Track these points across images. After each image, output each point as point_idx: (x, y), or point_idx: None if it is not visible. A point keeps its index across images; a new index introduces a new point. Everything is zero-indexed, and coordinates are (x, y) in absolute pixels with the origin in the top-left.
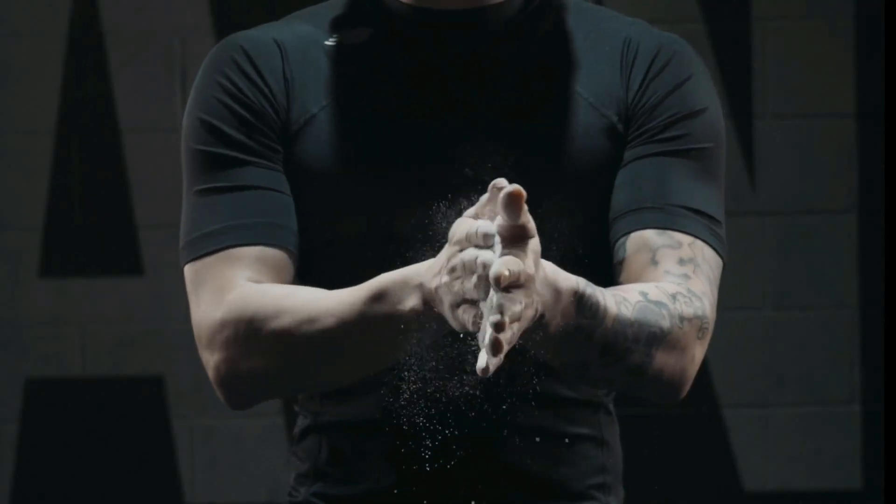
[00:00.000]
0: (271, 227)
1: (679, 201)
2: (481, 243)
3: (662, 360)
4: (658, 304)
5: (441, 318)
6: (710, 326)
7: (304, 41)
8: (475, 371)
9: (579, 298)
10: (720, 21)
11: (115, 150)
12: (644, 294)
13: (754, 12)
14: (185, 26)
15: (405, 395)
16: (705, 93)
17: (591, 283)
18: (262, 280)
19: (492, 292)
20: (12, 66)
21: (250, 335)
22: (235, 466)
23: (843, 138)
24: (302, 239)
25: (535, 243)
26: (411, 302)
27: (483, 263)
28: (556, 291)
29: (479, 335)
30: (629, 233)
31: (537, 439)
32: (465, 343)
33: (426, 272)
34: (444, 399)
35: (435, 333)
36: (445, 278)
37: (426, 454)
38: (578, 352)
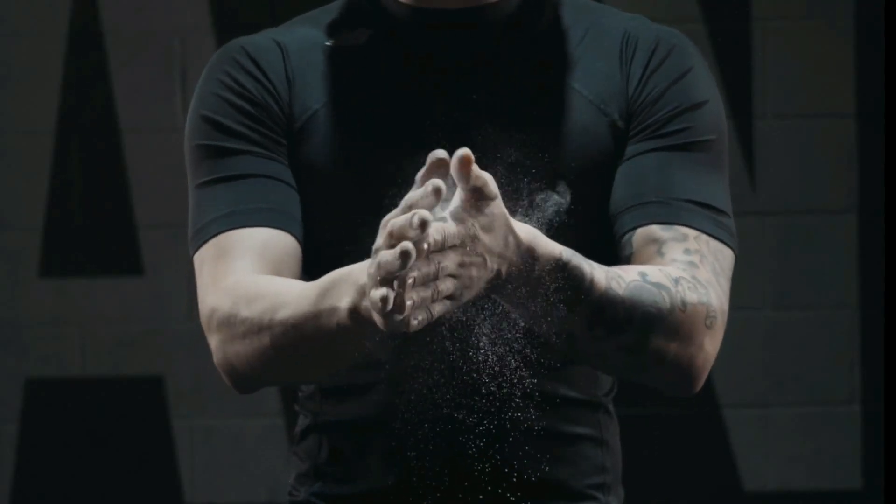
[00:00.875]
0: (274, 212)
1: (683, 195)
2: (416, 231)
3: (662, 343)
4: (657, 285)
5: (369, 318)
6: (719, 317)
7: (305, 43)
8: (475, 371)
9: (562, 266)
10: (720, 21)
11: (115, 150)
12: (643, 274)
13: (754, 12)
14: (185, 26)
15: (405, 396)
16: (706, 85)
17: (578, 255)
18: (264, 264)
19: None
20: (12, 66)
21: (230, 321)
22: (235, 466)
23: (843, 138)
24: (306, 234)
25: (493, 205)
26: (347, 299)
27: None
28: (531, 256)
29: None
30: (635, 228)
31: (537, 439)
32: (466, 343)
33: (362, 268)
34: (444, 399)
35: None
36: (371, 260)
37: (426, 454)
38: (564, 322)
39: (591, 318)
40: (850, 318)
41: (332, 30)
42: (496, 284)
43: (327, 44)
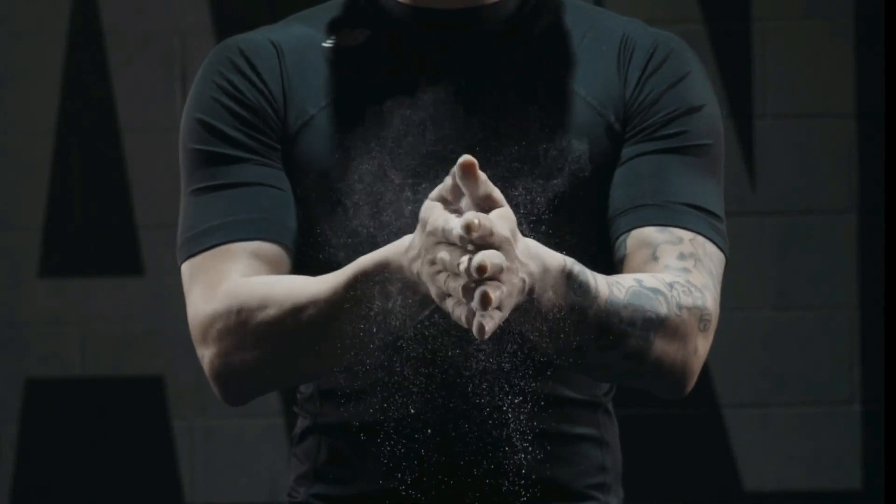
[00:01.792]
0: (267, 222)
1: (679, 198)
2: (457, 243)
3: (662, 347)
4: (654, 290)
5: (426, 298)
6: (713, 320)
7: (302, 43)
8: (475, 372)
9: (568, 274)
10: (720, 21)
11: (115, 150)
12: (639, 280)
13: (754, 12)
14: (185, 26)
15: (405, 397)
16: (703, 89)
17: (578, 263)
18: (256, 275)
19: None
20: (12, 66)
21: (238, 328)
22: (235, 466)
23: (843, 138)
24: (301, 239)
25: (506, 212)
26: (395, 284)
27: (466, 269)
28: (544, 266)
29: (460, 310)
30: (630, 230)
31: (537, 439)
32: (465, 344)
33: (402, 255)
34: (444, 400)
35: (419, 312)
36: (427, 269)
37: (426, 455)
38: (574, 334)
39: (599, 326)
40: (850, 318)
41: (330, 29)
42: (526, 299)
43: (325, 44)
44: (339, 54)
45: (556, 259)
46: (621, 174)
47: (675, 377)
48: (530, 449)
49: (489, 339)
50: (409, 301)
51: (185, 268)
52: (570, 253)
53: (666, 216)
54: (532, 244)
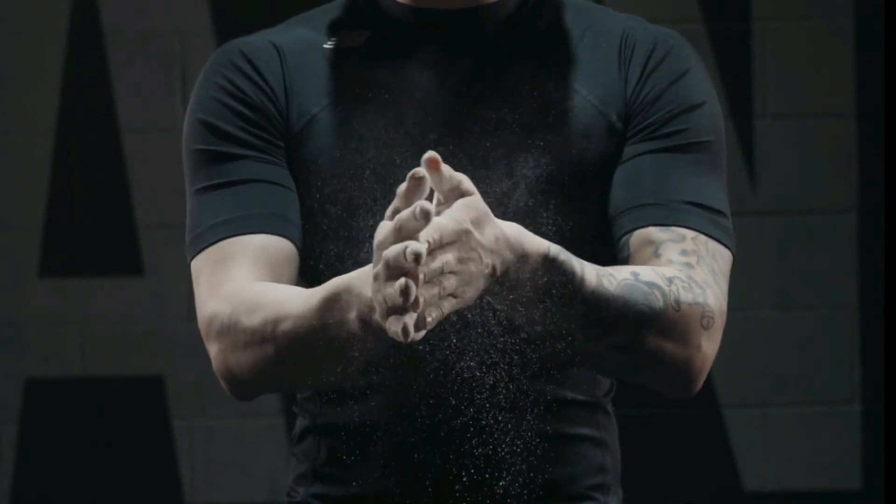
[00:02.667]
0: (273, 217)
1: (681, 196)
2: (411, 264)
3: (657, 342)
4: (650, 284)
5: (380, 328)
6: (717, 318)
7: (302, 45)
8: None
9: (551, 261)
10: (720, 21)
11: (115, 150)
12: (635, 274)
13: (754, 12)
14: (185, 26)
15: (404, 398)
16: (703, 86)
17: (568, 253)
18: (262, 270)
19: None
20: (12, 66)
21: (231, 329)
22: (235, 466)
23: (843, 138)
24: (306, 237)
25: (470, 201)
26: (354, 312)
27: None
28: (523, 251)
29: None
30: (632, 230)
31: (537, 440)
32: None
33: (364, 280)
34: (442, 402)
35: (383, 341)
36: (374, 285)
37: (425, 456)
38: (560, 321)
39: (584, 316)
40: (850, 318)
41: (330, 31)
42: (492, 282)
43: (325, 45)
44: (340, 55)
45: (540, 246)
46: (622, 173)
47: (677, 375)
48: (530, 450)
49: (487, 341)
50: (372, 327)
51: (193, 265)
52: (571, 251)
53: (668, 215)
54: (511, 231)
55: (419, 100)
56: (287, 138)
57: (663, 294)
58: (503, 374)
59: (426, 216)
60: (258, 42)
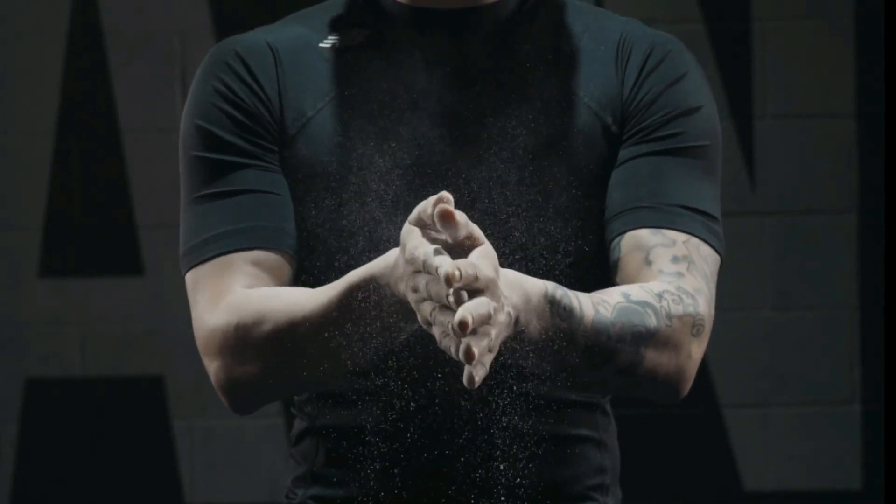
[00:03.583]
0: (267, 230)
1: (675, 200)
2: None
3: (654, 358)
4: (642, 303)
5: (413, 315)
6: (707, 323)
7: (299, 44)
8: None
9: (550, 300)
10: (720, 21)
11: (115, 150)
12: (626, 295)
13: (754, 12)
14: (185, 26)
15: (403, 400)
16: (700, 91)
17: (560, 286)
18: (259, 284)
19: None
20: (12, 66)
21: (237, 343)
22: (235, 466)
23: (843, 138)
24: (302, 240)
25: (487, 250)
26: (383, 299)
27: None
28: (526, 294)
29: (447, 341)
30: (624, 232)
31: (536, 442)
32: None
33: (389, 273)
34: (441, 404)
35: (408, 326)
36: (411, 294)
37: (424, 458)
38: (563, 357)
39: (587, 347)
40: (850, 318)
41: (329, 29)
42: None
43: (322, 45)
44: (337, 54)
45: (537, 286)
46: (618, 176)
47: (669, 385)
48: (529, 451)
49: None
50: (398, 315)
51: (189, 278)
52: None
53: (660, 218)
54: (511, 274)
55: (417, 100)
56: (283, 139)
57: (655, 311)
58: (501, 376)
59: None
60: (254, 41)
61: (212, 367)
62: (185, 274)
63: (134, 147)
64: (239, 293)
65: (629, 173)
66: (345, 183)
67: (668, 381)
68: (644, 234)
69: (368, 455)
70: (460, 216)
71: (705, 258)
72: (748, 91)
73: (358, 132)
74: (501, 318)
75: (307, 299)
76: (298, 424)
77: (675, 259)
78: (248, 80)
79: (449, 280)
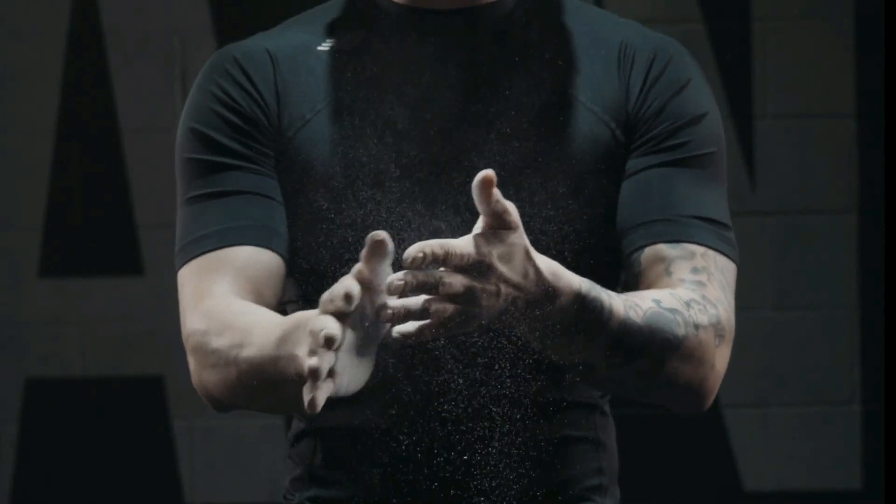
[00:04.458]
0: (259, 229)
1: (688, 211)
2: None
3: (676, 366)
4: (672, 310)
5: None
6: (728, 333)
7: (298, 49)
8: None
9: (581, 299)
10: (720, 21)
11: (115, 150)
12: (657, 301)
13: (754, 12)
14: (185, 26)
15: (401, 402)
16: (704, 97)
17: (597, 286)
18: (246, 284)
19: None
20: (12, 66)
21: (203, 348)
22: (235, 466)
23: (843, 138)
24: (299, 241)
25: (509, 234)
26: (304, 347)
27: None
28: (553, 290)
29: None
30: (643, 247)
31: (534, 443)
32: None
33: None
34: (439, 405)
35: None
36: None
37: (422, 459)
38: (583, 351)
39: (609, 346)
40: (850, 318)
41: (327, 31)
42: (509, 314)
43: (321, 48)
44: (336, 57)
45: (572, 282)
46: (629, 187)
47: (692, 394)
48: (527, 452)
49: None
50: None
51: (179, 275)
52: (570, 253)
53: (677, 231)
54: (545, 267)
55: (415, 100)
56: (281, 144)
57: (684, 320)
58: (500, 378)
59: (349, 300)
60: (253, 48)
61: (189, 365)
62: (177, 272)
63: (134, 147)
64: (221, 299)
65: (640, 185)
66: (344, 184)
67: (689, 389)
68: (663, 248)
69: (367, 456)
70: (496, 191)
71: (722, 269)
72: (748, 91)
73: (356, 134)
74: (483, 300)
75: (262, 326)
76: (296, 425)
77: (695, 270)
78: (246, 84)
79: (414, 260)
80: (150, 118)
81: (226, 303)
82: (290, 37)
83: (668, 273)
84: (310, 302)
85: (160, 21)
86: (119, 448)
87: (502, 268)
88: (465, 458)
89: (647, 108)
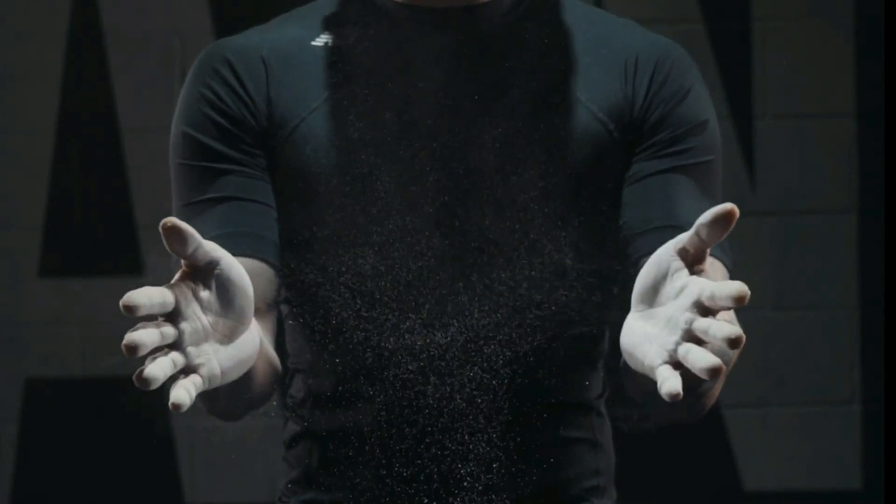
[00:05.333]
0: (251, 237)
1: (691, 218)
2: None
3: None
4: None
5: None
6: None
7: (291, 45)
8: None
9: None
10: (720, 21)
11: (115, 150)
12: None
13: (754, 12)
14: (185, 26)
15: (399, 404)
16: (706, 103)
17: None
18: None
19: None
20: (12, 66)
21: None
22: (235, 467)
23: (843, 138)
24: (295, 240)
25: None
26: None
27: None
28: None
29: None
30: (648, 254)
31: (531, 444)
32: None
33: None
34: (436, 407)
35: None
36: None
37: (418, 462)
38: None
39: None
40: (850, 318)
41: (323, 28)
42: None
43: (315, 43)
44: (331, 53)
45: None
46: (633, 192)
47: (702, 406)
48: (524, 454)
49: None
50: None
51: None
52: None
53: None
54: None
55: (413, 99)
56: (275, 144)
57: None
58: (495, 380)
59: (130, 311)
60: (244, 44)
61: None
62: None
63: (134, 147)
64: None
65: (643, 191)
66: (339, 182)
67: (701, 401)
68: None
69: (363, 459)
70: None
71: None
72: (748, 91)
73: (352, 131)
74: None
75: None
76: (291, 427)
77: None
78: (235, 85)
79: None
80: (150, 118)
81: None
82: (283, 32)
83: None
84: (305, 301)
85: (160, 21)
86: (119, 448)
87: None
88: (462, 460)
89: (651, 115)
